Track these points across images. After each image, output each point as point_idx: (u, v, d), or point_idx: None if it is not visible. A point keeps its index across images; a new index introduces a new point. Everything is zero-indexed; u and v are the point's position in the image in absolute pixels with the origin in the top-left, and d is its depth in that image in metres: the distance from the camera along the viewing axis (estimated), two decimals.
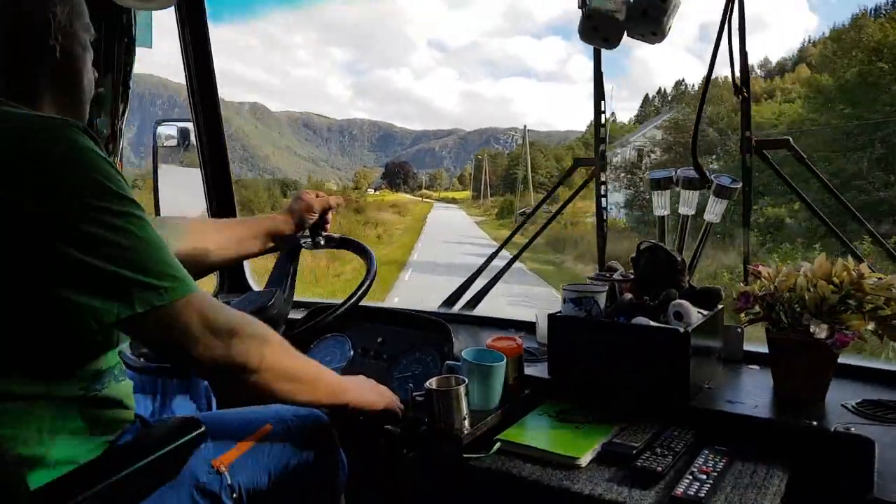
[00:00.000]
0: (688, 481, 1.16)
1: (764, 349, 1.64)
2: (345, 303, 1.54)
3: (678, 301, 1.48)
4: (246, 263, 2.42)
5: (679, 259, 1.61)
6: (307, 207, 1.63)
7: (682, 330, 1.40)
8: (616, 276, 1.70)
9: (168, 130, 2.31)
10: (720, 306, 1.58)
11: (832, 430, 1.27)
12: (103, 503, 1.00)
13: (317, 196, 1.67)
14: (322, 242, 1.70)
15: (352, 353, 1.92)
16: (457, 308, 2.31)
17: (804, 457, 1.27)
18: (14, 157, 0.89)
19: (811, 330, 1.33)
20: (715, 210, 1.74)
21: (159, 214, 2.45)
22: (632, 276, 1.67)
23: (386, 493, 1.67)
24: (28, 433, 0.95)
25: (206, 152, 2.33)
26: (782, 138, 1.67)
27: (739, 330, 1.67)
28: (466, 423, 1.37)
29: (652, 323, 1.47)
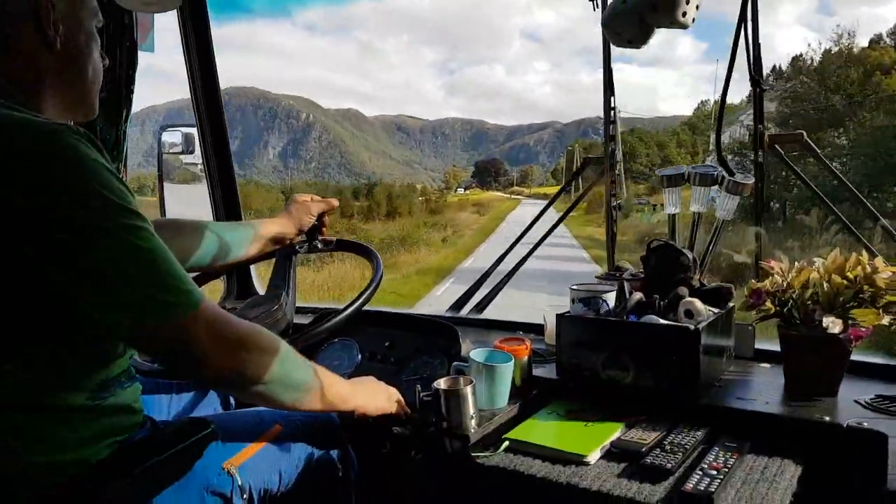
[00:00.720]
0: (698, 477, 1.13)
1: (775, 347, 1.62)
2: (348, 307, 1.53)
3: (688, 299, 1.46)
4: (252, 268, 2.42)
5: (690, 257, 1.59)
6: (305, 210, 1.63)
7: (692, 328, 1.38)
8: (625, 275, 1.68)
9: (172, 137, 2.32)
10: (731, 304, 1.56)
11: (845, 425, 1.24)
12: (114, 501, 0.99)
13: (312, 199, 1.67)
14: (320, 246, 1.70)
15: (359, 357, 1.91)
16: (464, 312, 2.30)
17: (816, 452, 1.24)
18: (11, 165, 0.87)
19: (824, 325, 1.31)
20: (727, 206, 1.72)
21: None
22: (641, 275, 1.65)
23: (394, 494, 1.66)
24: (36, 441, 0.94)
25: (210, 157, 2.33)
26: (797, 133, 1.65)
27: (750, 328, 1.65)
28: (474, 422, 1.36)
29: (662, 321, 1.45)
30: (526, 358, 1.54)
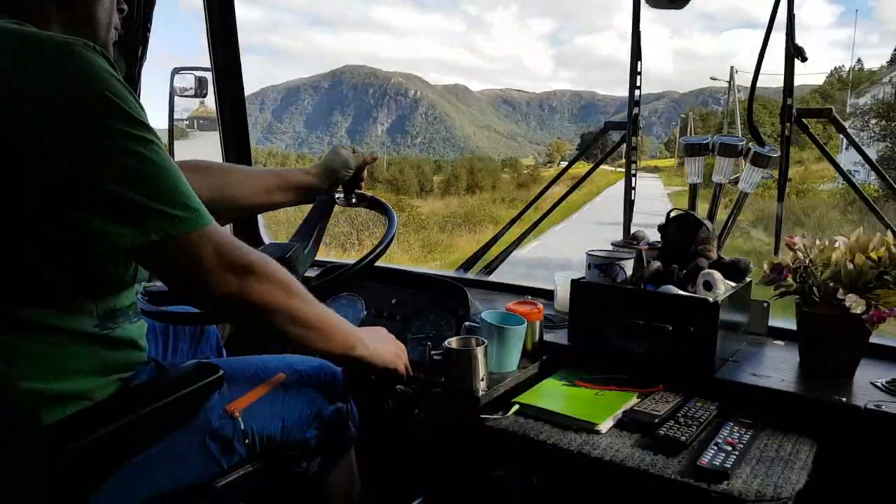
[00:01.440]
0: (713, 452, 1.12)
1: (787, 325, 1.60)
2: (359, 262, 1.50)
3: (708, 271, 1.43)
4: (260, 217, 2.38)
5: (709, 228, 1.56)
6: (343, 164, 1.56)
7: (711, 300, 1.35)
8: (643, 244, 1.65)
9: (185, 80, 2.25)
10: (748, 279, 1.54)
11: (863, 406, 1.23)
12: (116, 442, 0.98)
13: (353, 151, 1.61)
14: (354, 200, 1.66)
15: (364, 312, 1.89)
16: (471, 273, 2.28)
17: (832, 432, 1.23)
18: (19, 72, 0.85)
19: (847, 305, 1.29)
20: (750, 179, 1.69)
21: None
22: (659, 245, 1.62)
23: (394, 451, 1.66)
24: (41, 369, 0.93)
25: (224, 102, 2.26)
26: (825, 108, 1.61)
27: (765, 304, 1.62)
28: (484, 383, 1.34)
29: (680, 292, 1.43)
30: (538, 322, 1.53)
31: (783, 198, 1.66)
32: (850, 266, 1.35)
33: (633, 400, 1.35)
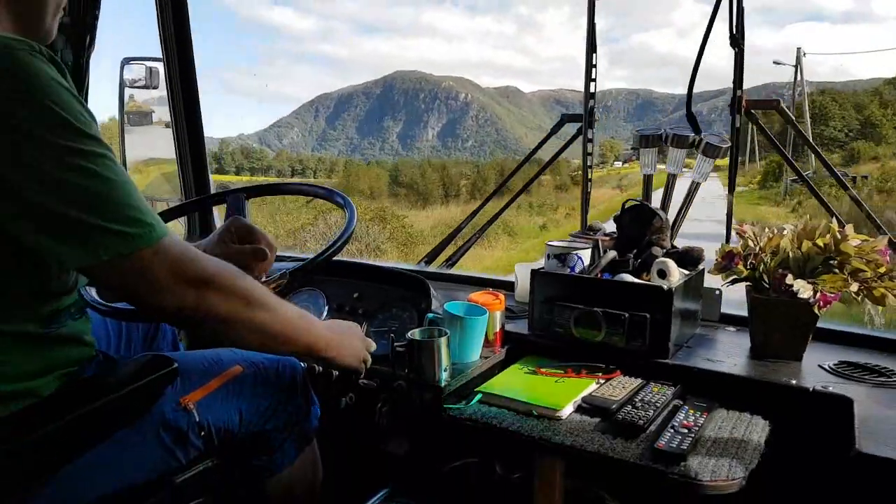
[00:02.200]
0: (669, 434, 1.15)
1: (738, 311, 1.65)
2: (316, 257, 1.48)
3: (662, 259, 1.47)
4: (215, 209, 2.34)
5: (663, 218, 1.59)
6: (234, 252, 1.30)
7: (666, 287, 1.39)
8: (599, 234, 1.68)
9: (136, 70, 2.20)
10: (701, 266, 1.58)
11: (811, 388, 1.28)
12: (65, 437, 0.96)
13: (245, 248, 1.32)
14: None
15: (327, 308, 1.88)
16: (433, 267, 2.29)
17: (783, 414, 1.28)
18: None
19: (795, 290, 1.33)
20: (702, 170, 1.73)
21: (125, 161, 2.36)
22: (615, 235, 1.65)
23: (359, 444, 1.65)
24: None
25: (176, 93, 2.21)
26: (772, 99, 1.66)
27: (717, 292, 1.67)
28: (446, 374, 1.35)
29: (635, 280, 1.46)
30: (499, 312, 1.54)
31: (733, 189, 1.71)
32: (798, 252, 1.40)
33: (593, 386, 1.37)
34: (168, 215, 1.70)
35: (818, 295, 1.33)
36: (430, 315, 1.53)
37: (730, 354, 1.46)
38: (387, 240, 13.69)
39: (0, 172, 0.81)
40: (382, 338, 1.72)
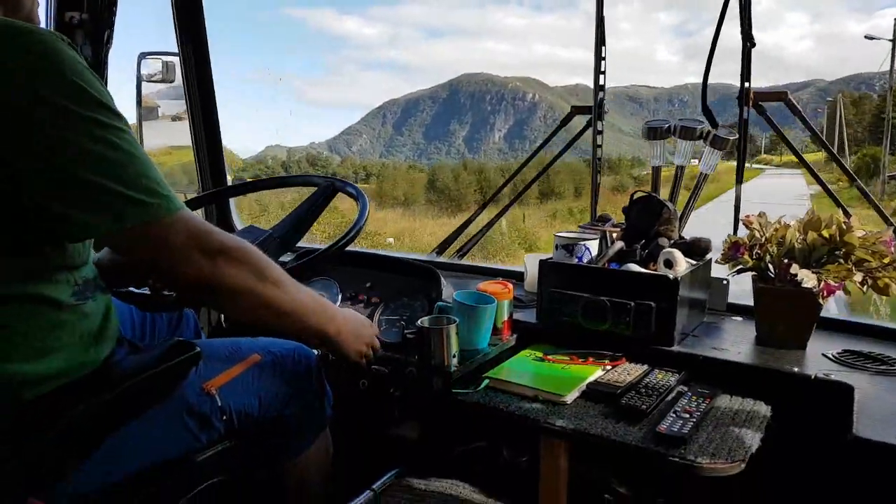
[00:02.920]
0: (671, 419, 1.18)
1: (746, 301, 1.67)
2: (329, 248, 1.51)
3: (668, 249, 1.49)
4: (231, 201, 2.39)
5: (671, 209, 1.61)
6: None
7: (671, 276, 1.41)
8: (608, 225, 1.71)
9: (152, 64, 2.25)
10: (709, 257, 1.60)
11: (813, 376, 1.30)
12: (94, 420, 1.01)
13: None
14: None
15: (340, 296, 1.92)
16: (444, 257, 2.32)
17: (785, 401, 1.30)
18: None
19: (798, 279, 1.35)
20: (710, 161, 1.75)
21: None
22: (623, 226, 1.68)
23: (371, 429, 1.70)
24: (20, 348, 0.94)
25: (192, 87, 2.26)
26: (781, 91, 1.67)
27: (725, 282, 1.69)
28: (455, 360, 1.39)
29: (642, 270, 1.48)
30: (507, 301, 1.57)
31: (741, 179, 1.72)
32: (803, 243, 1.42)
33: (598, 373, 1.40)
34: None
35: (822, 284, 1.35)
36: (440, 303, 1.56)
37: (735, 343, 1.49)
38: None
39: (31, 142, 0.85)
40: (394, 326, 1.76)
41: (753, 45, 1.60)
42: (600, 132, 1.95)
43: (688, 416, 1.20)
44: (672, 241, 1.58)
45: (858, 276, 1.36)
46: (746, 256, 1.45)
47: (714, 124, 1.73)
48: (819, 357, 1.42)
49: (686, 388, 1.34)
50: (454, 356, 1.39)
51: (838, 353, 1.43)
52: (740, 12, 1.60)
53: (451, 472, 1.61)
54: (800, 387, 1.31)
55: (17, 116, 0.84)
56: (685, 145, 1.75)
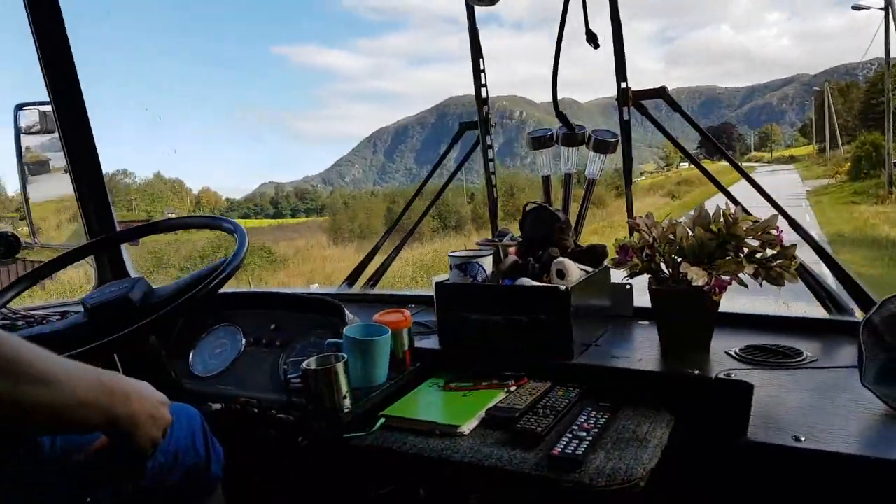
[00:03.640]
0: (567, 439, 1.12)
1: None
2: (200, 289, 1.40)
3: (560, 259, 1.45)
4: (124, 248, 2.26)
5: (564, 219, 1.58)
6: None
7: (562, 288, 1.36)
8: (506, 240, 1.66)
9: (29, 115, 2.13)
10: (605, 263, 1.56)
11: (713, 377, 1.26)
12: None
13: None
14: None
15: (243, 342, 1.82)
16: (356, 288, 2.24)
17: (688, 406, 1.26)
18: None
19: (689, 278, 1.32)
20: (595, 166, 1.72)
21: (29, 209, 2.29)
22: (520, 239, 1.63)
23: (267, 482, 1.60)
24: None
25: (68, 134, 2.13)
26: (658, 88, 1.65)
27: (628, 287, 1.65)
28: (347, 401, 1.31)
29: (534, 283, 1.44)
30: (406, 329, 1.50)
31: (630, 182, 1.70)
32: (692, 240, 1.39)
33: (501, 396, 1.34)
34: (65, 260, 1.64)
35: (713, 281, 1.32)
36: (331, 340, 1.48)
37: (638, 349, 1.45)
38: None
39: None
40: (299, 368, 1.67)
41: (597, 46, 1.57)
42: (490, 146, 1.90)
43: (584, 433, 1.14)
44: (567, 250, 1.54)
45: (750, 269, 1.34)
46: (636, 259, 1.41)
47: (570, 127, 1.71)
48: (723, 356, 1.39)
49: (587, 404, 1.28)
50: (345, 397, 1.30)
51: (741, 350, 1.40)
52: (584, 16, 1.57)
53: None
54: (702, 389, 1.27)
55: None
56: (568, 152, 1.72)
